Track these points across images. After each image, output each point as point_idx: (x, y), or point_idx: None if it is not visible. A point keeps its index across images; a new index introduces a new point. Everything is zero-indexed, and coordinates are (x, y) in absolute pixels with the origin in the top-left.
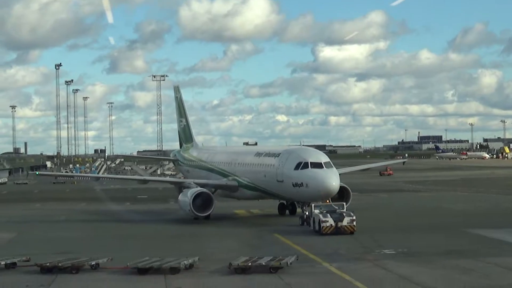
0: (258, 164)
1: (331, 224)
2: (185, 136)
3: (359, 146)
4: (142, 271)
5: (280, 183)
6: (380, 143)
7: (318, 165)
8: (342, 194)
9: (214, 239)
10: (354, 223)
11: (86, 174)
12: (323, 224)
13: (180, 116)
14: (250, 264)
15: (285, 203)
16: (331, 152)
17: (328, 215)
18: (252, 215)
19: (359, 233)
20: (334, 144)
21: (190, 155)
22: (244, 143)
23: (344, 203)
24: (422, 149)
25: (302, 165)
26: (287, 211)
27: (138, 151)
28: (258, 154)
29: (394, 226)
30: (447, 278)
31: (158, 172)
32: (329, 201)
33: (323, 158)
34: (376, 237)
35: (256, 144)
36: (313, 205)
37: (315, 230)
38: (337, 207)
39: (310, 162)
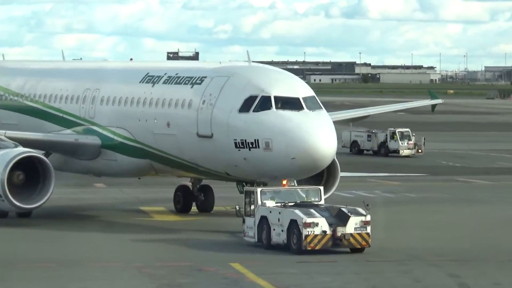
0: (152, 98)
1: (324, 231)
2: None
3: (433, 68)
4: None
5: (204, 140)
6: (479, 62)
7: (292, 103)
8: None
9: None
10: (369, 229)
11: None
12: (306, 231)
13: None
14: None
15: (191, 187)
16: (366, 80)
17: (313, 211)
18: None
19: (408, 260)
20: (374, 63)
21: None
22: (168, 54)
23: (321, 188)
24: None
25: (258, 102)
26: (194, 204)
27: None
28: (152, 79)
29: (481, 249)
30: None
31: None
32: (291, 182)
33: (302, 88)
34: (448, 269)
35: (196, 55)
36: (259, 190)
37: (267, 244)
38: (307, 196)
39: (275, 97)
